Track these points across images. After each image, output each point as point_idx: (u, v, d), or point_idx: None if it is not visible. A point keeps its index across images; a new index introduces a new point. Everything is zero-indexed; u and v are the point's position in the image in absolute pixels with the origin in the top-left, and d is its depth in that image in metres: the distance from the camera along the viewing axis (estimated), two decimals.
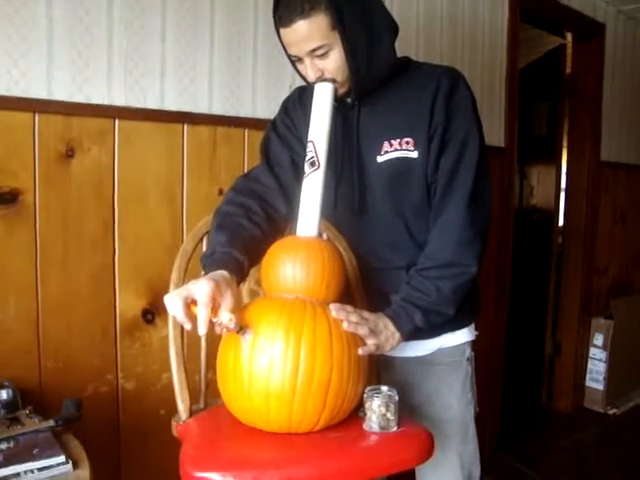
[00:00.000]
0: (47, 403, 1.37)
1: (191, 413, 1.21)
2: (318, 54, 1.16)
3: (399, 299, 1.21)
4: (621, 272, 3.63)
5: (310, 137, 1.22)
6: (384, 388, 1.13)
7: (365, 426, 1.11)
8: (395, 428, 1.10)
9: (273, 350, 1.02)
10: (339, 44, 1.15)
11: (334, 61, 1.17)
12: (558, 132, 3.36)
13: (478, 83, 2.40)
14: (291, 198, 1.29)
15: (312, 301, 1.10)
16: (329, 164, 1.22)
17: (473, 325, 1.40)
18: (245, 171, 1.68)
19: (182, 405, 1.21)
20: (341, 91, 1.24)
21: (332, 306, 1.10)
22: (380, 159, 1.26)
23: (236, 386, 1.05)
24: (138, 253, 1.53)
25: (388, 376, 1.36)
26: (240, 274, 1.12)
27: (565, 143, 3.36)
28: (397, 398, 1.11)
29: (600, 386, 3.36)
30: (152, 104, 1.53)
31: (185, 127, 1.58)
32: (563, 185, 3.43)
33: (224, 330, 1.01)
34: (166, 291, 1.50)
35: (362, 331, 1.11)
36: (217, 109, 1.64)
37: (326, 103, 1.22)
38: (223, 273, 1.06)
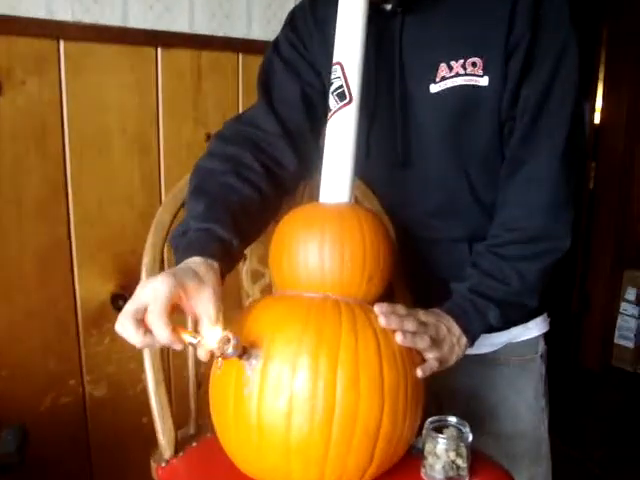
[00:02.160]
0: None
1: (176, 443, 0.88)
2: None
3: (465, 289, 0.87)
4: None
5: (336, 57, 0.85)
6: (451, 420, 0.80)
7: (425, 476, 0.78)
8: (466, 478, 0.78)
9: (295, 384, 0.67)
10: None
11: None
12: (595, 62, 2.95)
13: None
14: (302, 149, 0.94)
15: (349, 302, 0.75)
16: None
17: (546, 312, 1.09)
18: (240, 108, 1.32)
19: (164, 439, 0.87)
20: None
21: (378, 309, 0.75)
22: (435, 88, 0.90)
23: (239, 436, 0.71)
24: (101, 222, 1.17)
25: (439, 379, 1.03)
26: (227, 259, 0.75)
27: (601, 75, 2.96)
28: (470, 437, 0.78)
29: (630, 344, 3.13)
30: (111, 19, 1.14)
31: (159, 51, 1.20)
32: (597, 121, 3.04)
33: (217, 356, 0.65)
34: (140, 268, 1.18)
35: (422, 344, 0.77)
36: (201, 27, 1.25)
37: (357, 8, 0.84)
38: (195, 261, 0.70)
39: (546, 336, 1.10)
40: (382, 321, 0.73)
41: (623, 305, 3.13)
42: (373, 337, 0.71)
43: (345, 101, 0.83)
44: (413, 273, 0.98)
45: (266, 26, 1.34)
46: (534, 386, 1.06)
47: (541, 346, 1.07)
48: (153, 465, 0.88)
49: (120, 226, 1.19)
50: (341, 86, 0.83)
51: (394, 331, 0.74)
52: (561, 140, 0.86)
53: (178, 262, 0.73)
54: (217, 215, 0.77)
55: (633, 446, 2.40)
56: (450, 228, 0.97)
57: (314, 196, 0.88)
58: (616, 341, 3.15)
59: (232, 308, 0.86)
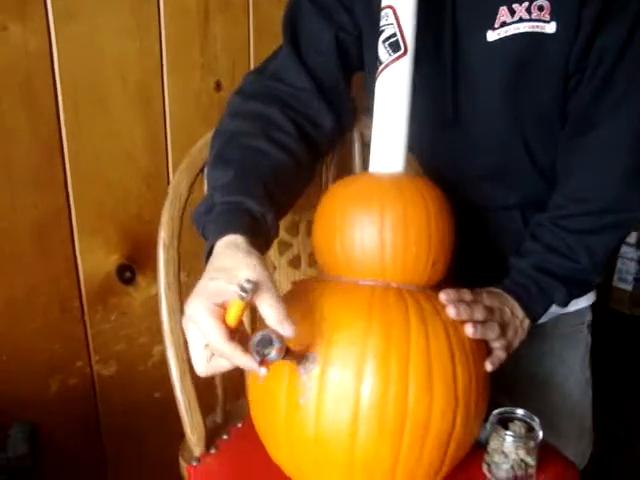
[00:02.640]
0: None
1: (207, 437, 0.80)
2: None
3: (528, 266, 0.79)
4: None
5: (388, 0, 0.71)
6: (519, 413, 0.73)
7: (488, 474, 0.72)
8: (534, 477, 0.71)
9: (361, 392, 0.58)
10: None
11: None
12: None
13: None
14: (336, 103, 0.82)
15: (413, 291, 0.65)
16: None
17: None
18: (251, 52, 1.17)
19: (194, 435, 0.79)
20: None
21: (444, 297, 0.66)
22: (492, 36, 0.77)
23: (293, 449, 0.63)
24: (102, 186, 1.04)
25: None
26: (263, 234, 0.65)
27: None
28: (541, 434, 0.71)
29: (629, 287, 3.10)
30: None
31: None
32: None
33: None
34: (148, 235, 1.06)
35: (493, 334, 0.68)
36: None
37: None
38: (229, 246, 0.59)
39: None
40: (452, 312, 0.64)
41: (623, 248, 3.10)
42: (444, 332, 0.63)
43: (400, 52, 0.71)
44: (462, 245, 0.88)
45: None
46: (582, 358, 1.00)
47: (588, 316, 1.01)
48: (182, 464, 0.80)
49: (123, 189, 1.05)
50: (394, 34, 0.71)
51: (463, 322, 0.65)
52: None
53: (209, 244, 0.63)
54: (247, 186, 0.66)
55: (623, 383, 2.43)
56: (503, 194, 0.87)
57: (345, 167, 0.76)
58: (614, 284, 3.16)
59: None
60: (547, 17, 0.74)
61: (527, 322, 0.76)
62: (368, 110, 0.78)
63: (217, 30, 1.11)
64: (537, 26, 0.75)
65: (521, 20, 0.75)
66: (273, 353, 0.53)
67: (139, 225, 1.08)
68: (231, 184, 0.67)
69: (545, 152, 0.84)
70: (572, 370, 0.99)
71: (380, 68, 0.72)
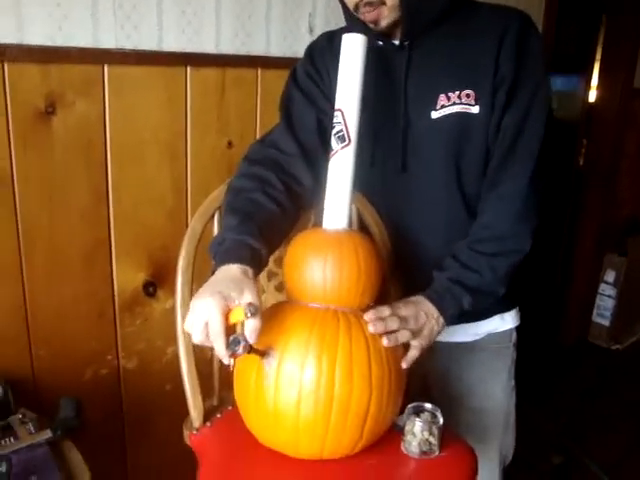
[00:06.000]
0: (42, 397, 1.24)
1: (204, 414, 1.08)
2: None
3: (445, 279, 1.05)
4: None
5: (338, 104, 1.01)
6: (427, 407, 1.00)
7: (404, 449, 0.99)
8: (437, 452, 0.98)
9: (303, 379, 0.87)
10: None
11: None
12: (592, 41, 3.03)
13: None
14: (317, 168, 1.09)
15: (345, 312, 0.94)
16: (362, 118, 1.03)
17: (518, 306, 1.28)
18: (258, 118, 1.47)
19: (195, 412, 1.07)
20: (388, 21, 1.02)
21: (366, 317, 0.94)
22: (435, 114, 1.06)
23: (259, 417, 0.91)
24: (136, 221, 1.34)
25: (427, 363, 1.23)
26: (257, 264, 0.93)
27: (598, 55, 3.05)
28: (442, 420, 0.98)
29: (606, 322, 3.32)
30: (148, 44, 1.27)
31: (188, 70, 1.34)
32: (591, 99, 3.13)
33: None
34: (168, 260, 1.37)
35: (404, 339, 0.96)
36: (225, 47, 1.39)
37: (356, 60, 1.00)
38: (231, 269, 0.88)
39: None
40: (371, 329, 0.93)
41: (602, 286, 3.31)
42: (364, 341, 0.91)
43: (344, 143, 0.99)
44: (406, 266, 1.15)
45: (282, 43, 1.47)
46: (508, 369, 1.26)
47: (514, 336, 1.27)
48: (186, 432, 1.08)
49: (152, 224, 1.36)
50: (341, 130, 0.99)
51: (380, 335, 0.94)
52: (531, 162, 1.04)
53: (216, 266, 0.90)
54: (249, 228, 0.94)
55: (600, 417, 2.64)
56: (445, 231, 1.13)
57: (319, 220, 1.05)
58: (593, 319, 3.35)
59: None
60: (472, 102, 1.04)
61: (441, 320, 1.02)
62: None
63: (231, 100, 1.42)
64: (466, 108, 1.05)
65: (454, 104, 1.05)
66: (240, 350, 0.81)
67: (162, 252, 1.38)
68: (238, 227, 0.94)
69: (475, 201, 1.11)
70: (499, 377, 1.25)
71: (331, 154, 1.01)
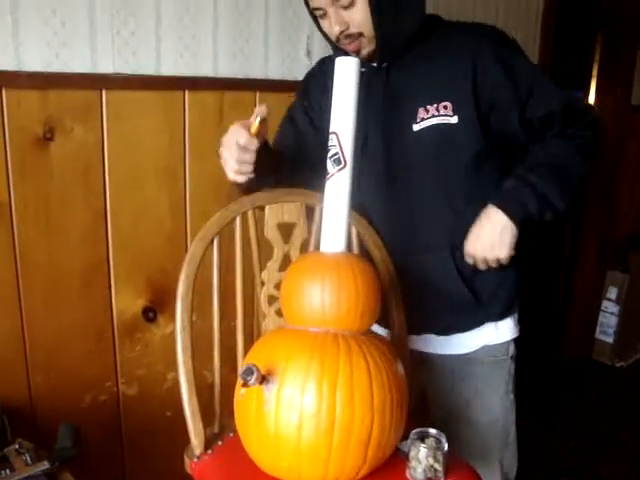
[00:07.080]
0: (39, 424, 1.22)
1: (206, 442, 1.06)
2: (343, 3, 1.03)
3: (512, 178, 1.11)
4: None
5: (332, 127, 1.02)
6: (432, 432, 0.99)
7: (409, 475, 0.97)
8: (442, 479, 0.97)
9: (304, 403, 0.86)
10: None
11: (360, 11, 1.04)
12: (589, 59, 3.04)
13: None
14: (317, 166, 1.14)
15: (345, 335, 0.93)
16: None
17: (517, 316, 1.28)
18: None
19: (196, 439, 1.06)
20: (368, 49, 1.08)
21: None
22: (416, 127, 1.11)
23: (260, 443, 0.90)
24: (135, 245, 1.33)
25: (424, 376, 1.25)
26: (264, 150, 1.05)
27: (595, 72, 3.06)
28: (446, 446, 0.97)
29: (610, 339, 3.29)
30: (146, 69, 1.28)
31: (186, 94, 1.35)
32: None
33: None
34: (169, 285, 1.36)
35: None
36: (224, 71, 1.40)
37: (350, 83, 1.01)
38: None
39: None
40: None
41: (604, 303, 3.29)
42: (365, 365, 0.90)
43: (340, 166, 0.99)
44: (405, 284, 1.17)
45: (280, 67, 1.48)
46: (505, 382, 1.25)
47: (511, 349, 1.26)
48: (187, 460, 1.06)
49: (151, 248, 1.35)
50: (337, 153, 1.00)
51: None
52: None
53: None
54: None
55: (605, 434, 2.61)
56: (432, 233, 1.16)
57: (318, 245, 1.05)
58: (597, 336, 3.33)
59: (251, 325, 1.08)
60: (450, 113, 1.09)
61: (511, 225, 1.07)
62: None
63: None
64: (445, 119, 1.09)
65: (433, 116, 1.09)
66: (252, 380, 0.82)
67: (162, 275, 1.38)
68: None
69: (460, 200, 1.14)
70: (497, 391, 1.24)
71: (328, 177, 1.01)
